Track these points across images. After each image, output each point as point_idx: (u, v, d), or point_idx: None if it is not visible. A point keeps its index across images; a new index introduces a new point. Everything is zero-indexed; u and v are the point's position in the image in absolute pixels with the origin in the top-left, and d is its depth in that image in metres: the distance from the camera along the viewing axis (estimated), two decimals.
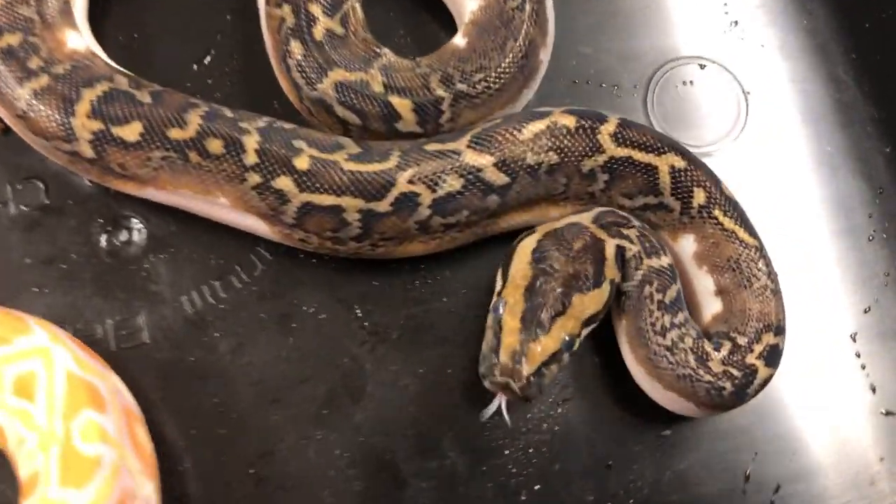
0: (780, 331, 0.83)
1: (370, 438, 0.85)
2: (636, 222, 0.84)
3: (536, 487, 0.85)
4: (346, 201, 0.79)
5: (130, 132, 0.80)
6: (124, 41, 0.93)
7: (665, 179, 0.84)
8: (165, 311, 0.87)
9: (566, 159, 0.82)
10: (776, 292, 0.84)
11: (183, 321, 0.86)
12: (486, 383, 0.74)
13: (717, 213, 0.84)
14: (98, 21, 0.93)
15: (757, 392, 0.82)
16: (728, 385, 0.80)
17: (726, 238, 0.84)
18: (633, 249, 0.82)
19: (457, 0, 0.91)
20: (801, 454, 0.88)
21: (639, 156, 0.83)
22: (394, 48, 0.93)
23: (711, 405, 0.81)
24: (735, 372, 0.80)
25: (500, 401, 0.75)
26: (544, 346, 0.74)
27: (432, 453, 0.85)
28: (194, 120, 0.80)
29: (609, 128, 0.83)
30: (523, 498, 0.85)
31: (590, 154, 0.83)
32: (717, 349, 0.81)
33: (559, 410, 0.86)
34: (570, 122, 0.83)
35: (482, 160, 0.81)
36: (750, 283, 0.83)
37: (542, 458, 0.85)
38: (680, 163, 0.84)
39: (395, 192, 0.79)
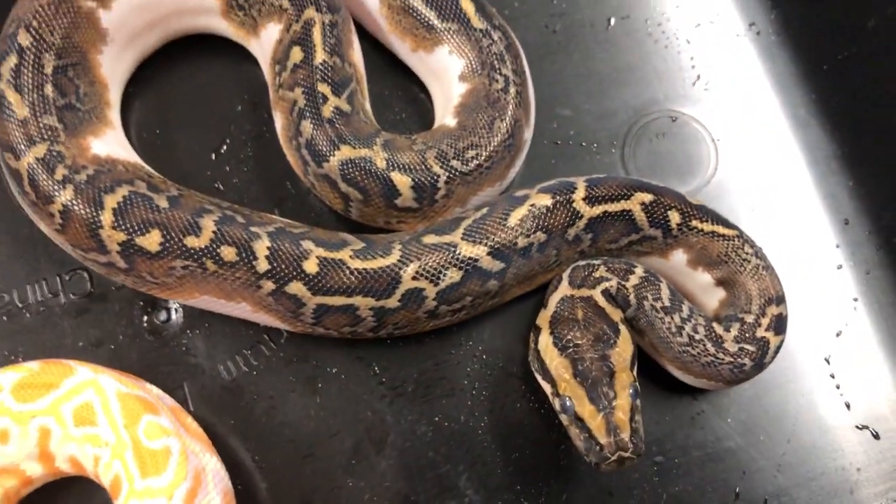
0: (780, 300, 0.93)
1: (395, 483, 0.95)
2: (595, 261, 0.93)
3: None
4: (358, 300, 0.87)
5: (151, 242, 0.86)
6: (148, 137, 1.04)
7: (640, 216, 0.93)
8: (205, 380, 0.97)
9: (552, 234, 0.91)
10: (767, 267, 0.94)
11: (221, 388, 0.97)
12: (604, 468, 0.81)
13: (694, 223, 0.94)
14: (123, 118, 1.02)
15: (773, 358, 0.92)
16: (747, 360, 0.90)
17: (710, 239, 0.94)
18: (612, 284, 0.92)
19: (443, 84, 1.00)
20: (785, 470, 0.97)
21: (612, 207, 0.92)
22: (391, 122, 1.04)
23: (738, 380, 0.92)
24: (750, 347, 0.90)
25: None
26: (622, 407, 0.83)
27: (452, 493, 0.94)
28: (208, 227, 0.86)
29: (580, 193, 0.92)
30: None
31: (571, 223, 0.91)
32: (728, 329, 0.92)
33: (562, 447, 0.96)
34: (546, 200, 0.91)
35: (477, 251, 0.89)
36: (743, 267, 0.93)
37: (550, 490, 0.95)
38: (648, 197, 0.93)
39: (401, 289, 0.87)
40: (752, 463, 0.97)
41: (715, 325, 0.92)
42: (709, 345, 0.90)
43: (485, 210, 0.92)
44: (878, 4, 1.05)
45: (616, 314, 0.91)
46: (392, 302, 0.87)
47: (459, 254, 0.88)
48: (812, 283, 1.02)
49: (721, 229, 0.94)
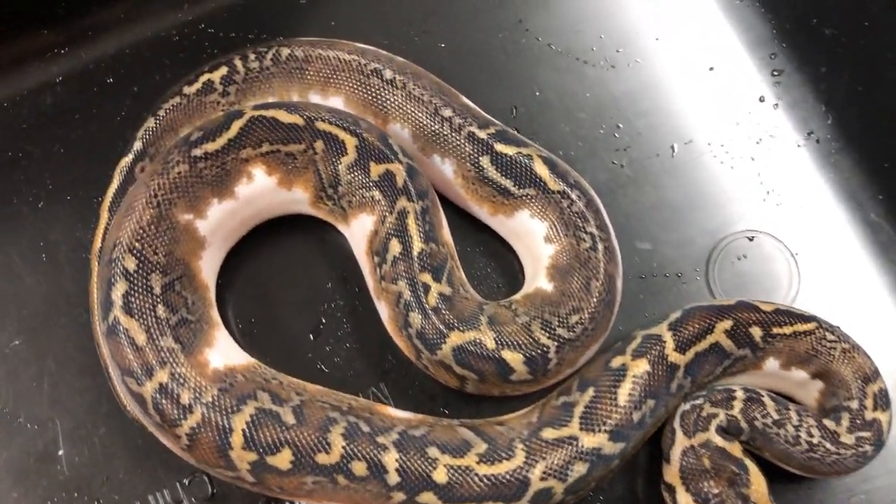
0: (875, 374, 0.96)
1: None
2: (697, 400, 0.94)
3: None
4: None
5: (282, 461, 0.87)
6: (244, 327, 1.05)
7: (728, 344, 0.95)
8: None
9: (659, 395, 0.93)
10: (854, 347, 0.97)
11: None
12: None
13: (775, 330, 0.96)
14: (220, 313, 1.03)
15: (888, 434, 0.95)
16: (866, 447, 0.93)
17: (794, 339, 0.96)
18: (721, 418, 0.94)
19: (529, 245, 1.02)
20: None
21: (701, 346, 0.94)
22: (479, 277, 1.07)
23: (864, 465, 0.95)
24: (865, 434, 0.94)
25: None
26: None
27: None
28: (337, 442, 0.87)
29: (670, 345, 0.94)
30: None
31: (671, 378, 0.93)
32: (839, 422, 0.94)
33: None
34: (644, 365, 0.93)
35: (598, 439, 0.90)
36: (832, 355, 0.96)
37: None
38: (728, 324, 0.95)
39: (531, 491, 0.88)
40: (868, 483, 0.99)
41: (826, 421, 0.95)
42: (828, 444, 0.93)
43: (591, 392, 0.93)
44: None
45: (735, 448, 0.93)
46: (522, 503, 0.89)
47: (582, 447, 0.90)
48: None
49: (801, 326, 0.96)
